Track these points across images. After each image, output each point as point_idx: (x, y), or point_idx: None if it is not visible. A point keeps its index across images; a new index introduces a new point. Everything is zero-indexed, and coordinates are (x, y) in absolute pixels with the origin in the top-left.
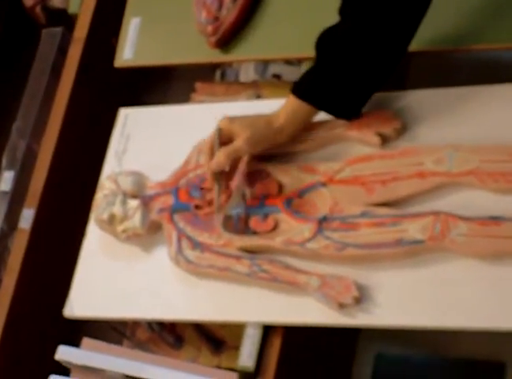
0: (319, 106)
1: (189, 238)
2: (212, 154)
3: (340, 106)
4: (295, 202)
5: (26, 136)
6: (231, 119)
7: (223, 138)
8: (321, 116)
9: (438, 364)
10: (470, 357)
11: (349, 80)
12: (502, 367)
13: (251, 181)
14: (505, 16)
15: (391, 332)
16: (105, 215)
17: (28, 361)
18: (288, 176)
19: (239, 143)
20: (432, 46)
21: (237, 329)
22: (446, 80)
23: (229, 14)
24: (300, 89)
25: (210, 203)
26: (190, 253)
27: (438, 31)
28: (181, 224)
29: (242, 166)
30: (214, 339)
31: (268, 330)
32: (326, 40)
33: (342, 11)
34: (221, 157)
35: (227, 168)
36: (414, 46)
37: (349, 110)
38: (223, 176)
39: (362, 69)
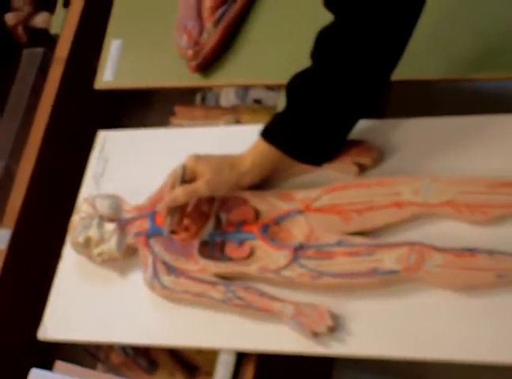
0: (288, 151)
1: (164, 263)
2: (172, 189)
3: (310, 153)
4: (271, 229)
5: (5, 156)
6: (198, 158)
7: (186, 176)
8: None
9: None
10: None
11: (319, 126)
12: None
13: (228, 208)
14: (491, 48)
15: (366, 359)
16: (81, 238)
17: None
18: (264, 203)
19: (199, 184)
20: (415, 75)
21: (211, 355)
22: (426, 109)
23: (210, 39)
24: (268, 133)
25: (186, 228)
26: (166, 278)
27: (421, 60)
28: (157, 249)
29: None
30: (188, 364)
31: (242, 357)
32: (297, 85)
33: (314, 55)
34: (179, 194)
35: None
36: (396, 75)
37: (319, 156)
38: (177, 211)
39: (332, 116)
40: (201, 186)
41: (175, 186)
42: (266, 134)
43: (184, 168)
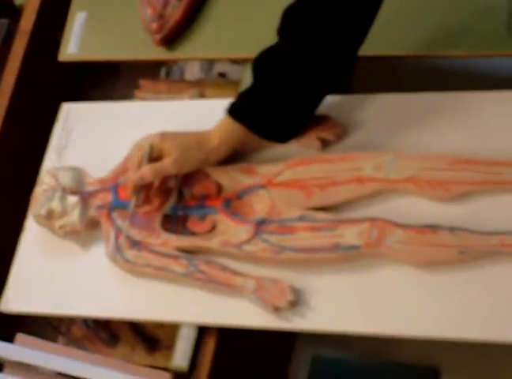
0: (254, 129)
1: (126, 237)
2: (139, 168)
3: (276, 130)
4: (233, 204)
5: None
6: (164, 136)
7: (153, 154)
8: None
9: (373, 367)
10: (405, 361)
11: (285, 103)
12: (436, 372)
13: (190, 182)
14: (456, 25)
15: (327, 335)
16: (43, 211)
17: None
18: (227, 177)
19: (166, 162)
20: (381, 51)
21: (172, 329)
22: (391, 85)
23: (174, 12)
24: (235, 110)
25: (149, 202)
26: (128, 252)
27: (387, 36)
28: (119, 222)
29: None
30: (149, 338)
31: (203, 330)
32: (263, 62)
33: (280, 32)
34: (146, 173)
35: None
36: (362, 50)
37: (285, 133)
38: (143, 189)
39: (299, 93)
40: (168, 164)
41: (141, 165)
42: (233, 111)
43: (151, 146)
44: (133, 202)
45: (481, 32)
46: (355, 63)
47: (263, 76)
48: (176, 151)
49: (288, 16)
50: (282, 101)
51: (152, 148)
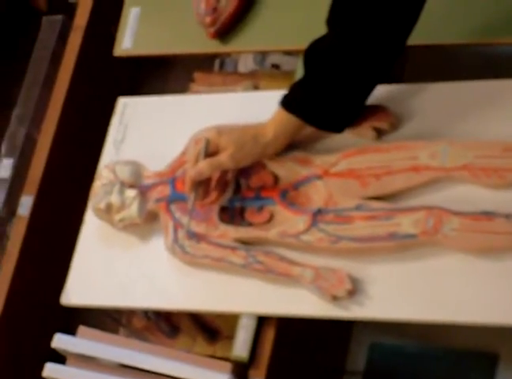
0: (309, 120)
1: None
2: (196, 162)
3: (330, 120)
4: (290, 194)
5: (26, 123)
6: (220, 131)
7: (209, 149)
8: None
9: (431, 354)
10: (464, 348)
11: (338, 93)
12: (495, 358)
13: (246, 173)
14: (508, 12)
15: (385, 322)
16: (102, 204)
17: (25, 348)
18: (283, 168)
19: (223, 157)
20: (433, 40)
21: (232, 319)
22: (444, 74)
23: (228, 5)
24: (288, 102)
25: (206, 194)
26: (186, 243)
27: (438, 24)
28: (177, 214)
29: None
30: (209, 328)
31: (262, 320)
32: (314, 52)
33: (329, 22)
34: (204, 168)
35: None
36: (415, 39)
37: (339, 123)
38: (201, 184)
39: (351, 82)
40: (225, 160)
41: (198, 160)
42: (286, 103)
43: (207, 142)
44: (192, 197)
45: None
46: (405, 51)
47: (314, 67)
48: (233, 146)
49: (337, 5)
50: (334, 91)
51: (208, 143)
